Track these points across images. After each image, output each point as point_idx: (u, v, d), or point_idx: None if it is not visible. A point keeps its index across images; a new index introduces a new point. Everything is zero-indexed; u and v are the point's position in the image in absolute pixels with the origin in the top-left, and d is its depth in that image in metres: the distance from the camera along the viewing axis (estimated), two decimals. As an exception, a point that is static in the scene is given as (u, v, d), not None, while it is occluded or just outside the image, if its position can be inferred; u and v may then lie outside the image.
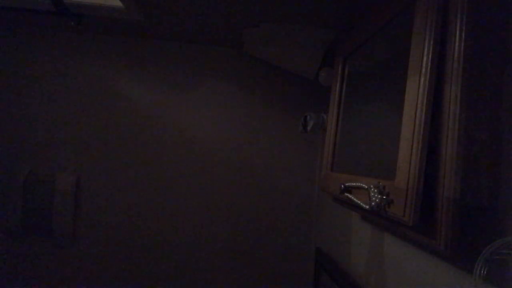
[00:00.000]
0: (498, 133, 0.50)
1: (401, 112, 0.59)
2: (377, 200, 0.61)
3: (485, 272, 0.43)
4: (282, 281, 1.51)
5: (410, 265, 0.72)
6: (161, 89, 1.47)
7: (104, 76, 1.44)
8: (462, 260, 0.55)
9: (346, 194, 0.77)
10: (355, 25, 0.92)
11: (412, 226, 0.53)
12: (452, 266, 0.58)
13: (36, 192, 1.37)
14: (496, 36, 0.51)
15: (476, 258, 0.45)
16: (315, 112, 1.29)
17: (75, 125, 1.42)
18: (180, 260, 1.46)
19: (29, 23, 1.36)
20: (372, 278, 0.90)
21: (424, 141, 0.53)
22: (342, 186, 0.78)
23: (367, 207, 0.64)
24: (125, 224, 1.44)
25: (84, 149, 1.42)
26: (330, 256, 1.26)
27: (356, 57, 0.95)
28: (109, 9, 1.14)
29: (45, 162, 1.40)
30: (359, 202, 0.69)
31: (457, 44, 0.50)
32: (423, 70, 0.54)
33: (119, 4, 1.09)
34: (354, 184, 0.74)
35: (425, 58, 0.54)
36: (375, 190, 0.62)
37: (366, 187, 0.67)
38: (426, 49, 0.54)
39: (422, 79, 0.54)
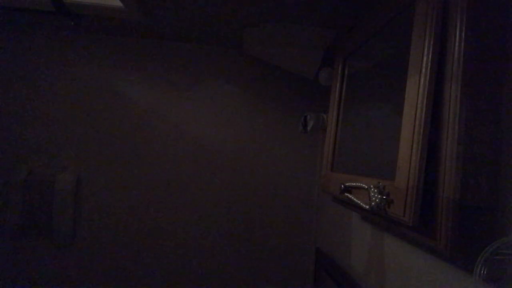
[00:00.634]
0: (498, 133, 0.50)
1: (401, 112, 0.59)
2: (377, 200, 0.61)
3: (485, 272, 0.43)
4: (282, 281, 1.51)
5: (410, 265, 0.72)
6: (161, 89, 1.47)
7: (104, 76, 1.44)
8: (462, 260, 0.55)
9: (346, 194, 0.77)
10: (355, 25, 0.92)
11: (412, 226, 0.53)
12: (452, 266, 0.58)
13: (36, 192, 1.37)
14: (496, 36, 0.51)
15: (476, 258, 0.45)
16: (315, 112, 1.29)
17: (75, 125, 1.42)
18: (180, 259, 1.46)
19: (29, 23, 1.36)
20: (372, 278, 0.90)
21: (424, 141, 0.53)
22: (342, 186, 0.78)
23: (367, 207, 0.64)
24: (125, 224, 1.44)
25: (84, 149, 1.42)
26: (330, 256, 1.26)
27: (356, 57, 0.95)
28: (109, 9, 1.14)
29: (45, 162, 1.40)
30: (359, 202, 0.69)
31: (457, 44, 0.50)
32: (423, 70, 0.54)
33: (119, 4, 1.09)
34: (354, 184, 0.74)
35: (425, 58, 0.54)
36: (375, 190, 0.62)
37: (366, 187, 0.67)
38: (426, 49, 0.54)
39: (422, 79, 0.54)
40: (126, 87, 1.45)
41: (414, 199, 0.52)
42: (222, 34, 1.32)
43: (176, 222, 1.46)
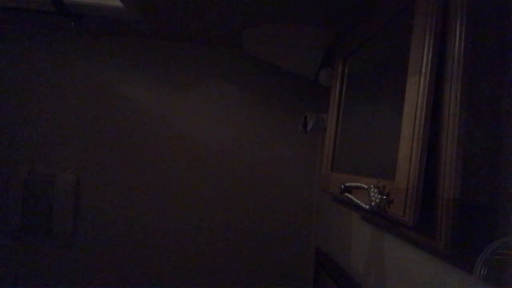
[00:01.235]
0: (498, 133, 0.50)
1: (401, 112, 0.59)
2: (377, 200, 0.61)
3: (485, 272, 0.43)
4: (282, 281, 1.51)
5: (410, 265, 0.72)
6: (161, 89, 1.47)
7: (104, 76, 1.44)
8: (462, 260, 0.55)
9: (346, 194, 0.77)
10: (355, 25, 0.92)
11: (412, 226, 0.53)
12: (452, 266, 0.58)
13: (36, 192, 1.37)
14: (496, 36, 0.51)
15: (476, 258, 0.45)
16: (315, 112, 1.29)
17: (75, 125, 1.42)
18: (180, 259, 1.46)
19: (29, 23, 1.36)
20: (372, 278, 0.90)
21: (424, 141, 0.53)
22: (342, 186, 0.78)
23: (367, 207, 0.64)
24: (125, 224, 1.44)
25: (84, 149, 1.42)
26: (330, 256, 1.26)
27: (356, 57, 0.95)
28: (109, 9, 1.14)
29: (45, 162, 1.40)
30: (359, 202, 0.69)
31: (457, 44, 0.50)
32: (423, 70, 0.54)
33: (119, 4, 1.09)
34: (354, 184, 0.74)
35: (425, 58, 0.54)
36: (375, 190, 0.62)
37: (366, 187, 0.67)
38: (426, 49, 0.54)
39: (422, 79, 0.54)
40: (126, 87, 1.45)
41: (414, 199, 0.52)
42: (222, 34, 1.32)
43: (176, 222, 1.46)
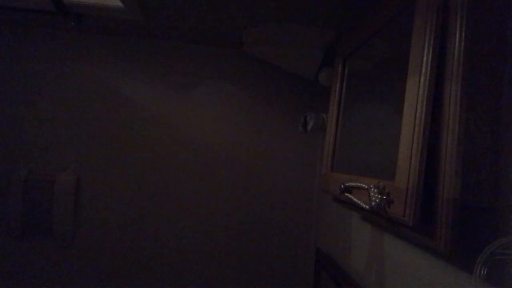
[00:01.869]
0: (498, 133, 0.50)
1: (401, 112, 0.59)
2: (377, 200, 0.61)
3: (485, 272, 0.43)
4: (282, 281, 1.51)
5: (410, 265, 0.72)
6: (161, 89, 1.47)
7: (104, 76, 1.44)
8: (462, 260, 0.55)
9: (346, 194, 0.77)
10: (355, 25, 0.92)
11: (412, 226, 0.53)
12: (452, 266, 0.58)
13: (36, 192, 1.37)
14: (496, 36, 0.51)
15: (476, 258, 0.45)
16: (315, 112, 1.29)
17: (75, 125, 1.42)
18: (179, 260, 1.46)
19: (29, 23, 1.36)
20: (372, 278, 0.90)
21: (424, 141, 0.53)
22: (342, 186, 0.78)
23: (367, 207, 0.64)
24: (125, 224, 1.44)
25: (84, 149, 1.42)
26: (330, 256, 1.26)
27: (356, 57, 0.95)
28: (109, 9, 1.14)
29: (45, 162, 1.40)
30: (359, 202, 0.69)
31: (457, 44, 0.50)
32: (423, 70, 0.54)
33: (119, 4, 1.09)
34: (354, 184, 0.74)
35: (425, 58, 0.54)
36: (375, 190, 0.62)
37: (366, 187, 0.67)
38: (426, 49, 0.54)
39: (422, 79, 0.54)
40: (126, 87, 1.45)
41: (414, 199, 0.52)
42: (222, 34, 1.32)
43: (176, 222, 1.46)
